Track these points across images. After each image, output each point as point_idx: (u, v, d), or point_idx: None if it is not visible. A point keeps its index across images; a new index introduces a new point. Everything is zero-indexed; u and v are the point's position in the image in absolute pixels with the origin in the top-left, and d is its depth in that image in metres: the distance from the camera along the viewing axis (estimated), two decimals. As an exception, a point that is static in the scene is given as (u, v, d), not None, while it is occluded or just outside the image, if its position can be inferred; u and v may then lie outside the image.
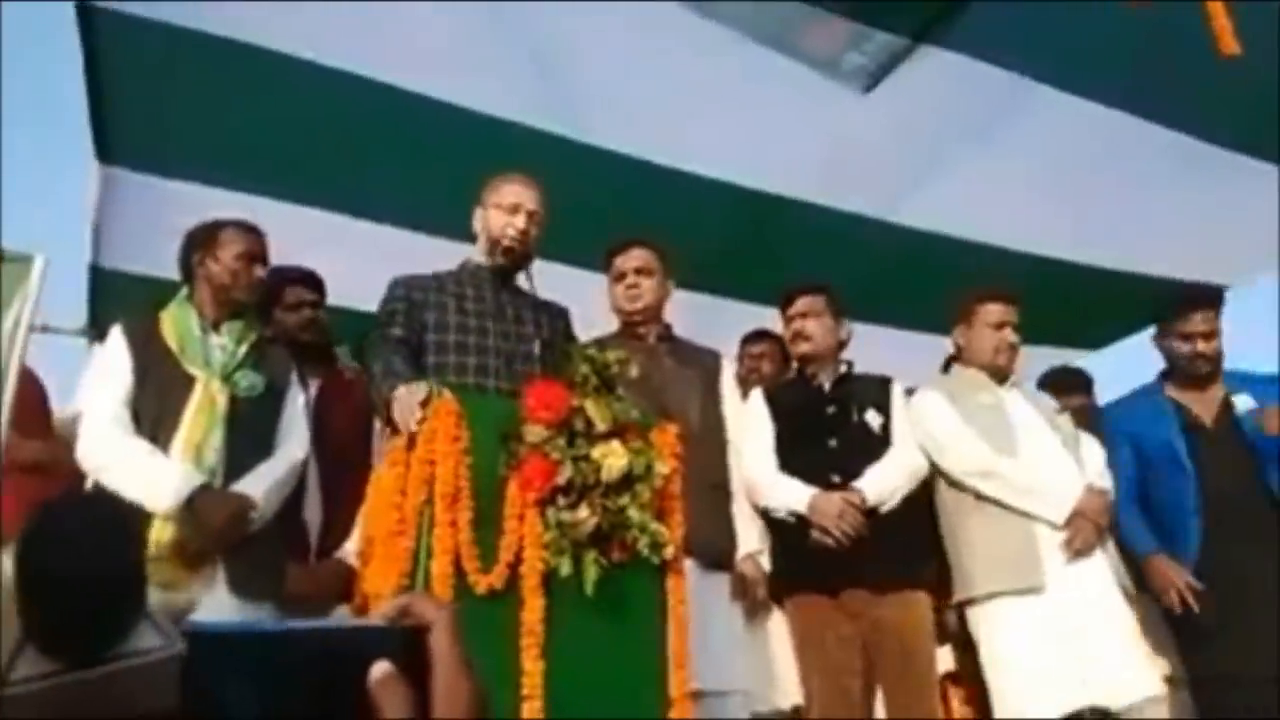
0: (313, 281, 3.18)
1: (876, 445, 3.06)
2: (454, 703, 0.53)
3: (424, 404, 2.22)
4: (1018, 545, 2.91)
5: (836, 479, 2.98)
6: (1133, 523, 3.13)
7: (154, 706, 0.49)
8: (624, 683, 2.16)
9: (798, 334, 3.23)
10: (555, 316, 2.80)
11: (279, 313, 3.00)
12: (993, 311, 3.22)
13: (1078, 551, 2.89)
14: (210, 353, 2.58)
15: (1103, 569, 2.92)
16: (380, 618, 0.56)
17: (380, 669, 0.53)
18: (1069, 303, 4.07)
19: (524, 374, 2.56)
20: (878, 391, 3.18)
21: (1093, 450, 3.15)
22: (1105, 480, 3.07)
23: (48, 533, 0.49)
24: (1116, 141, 3.70)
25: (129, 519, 0.53)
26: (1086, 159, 3.78)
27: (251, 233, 2.73)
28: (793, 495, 2.97)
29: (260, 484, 2.51)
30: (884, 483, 2.97)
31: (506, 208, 2.70)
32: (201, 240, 2.71)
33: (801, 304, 3.24)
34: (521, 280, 2.76)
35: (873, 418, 3.10)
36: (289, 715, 0.52)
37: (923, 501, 3.07)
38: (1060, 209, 3.96)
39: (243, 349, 2.62)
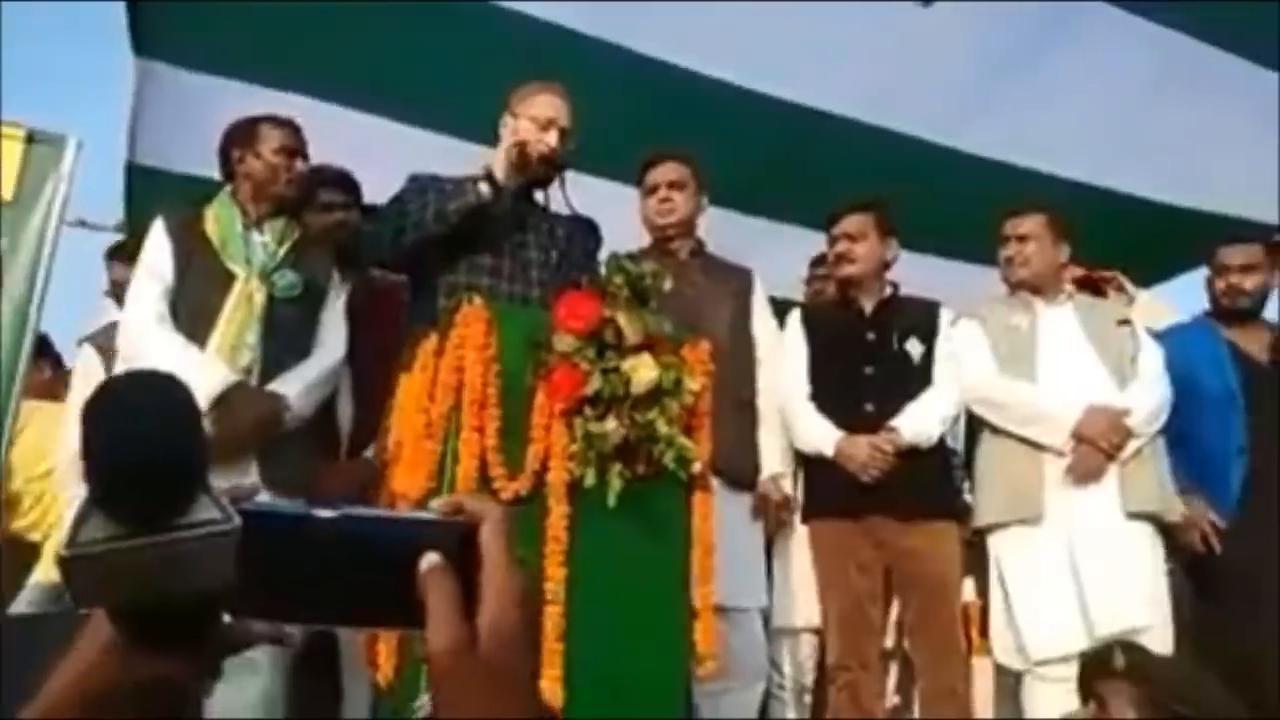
0: (347, 183, 3.12)
1: (915, 375, 2.98)
2: (502, 599, 0.54)
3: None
4: (1021, 475, 2.84)
5: (870, 408, 2.93)
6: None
7: (210, 581, 0.50)
8: (646, 594, 2.16)
9: (841, 256, 3.09)
10: (578, 228, 2.71)
11: (310, 214, 2.97)
12: (1002, 228, 3.09)
13: (1080, 478, 2.78)
14: (252, 250, 2.57)
15: (1113, 494, 2.78)
16: (433, 512, 0.56)
17: (430, 560, 0.54)
18: (1123, 236, 3.92)
19: (540, 280, 2.54)
20: (922, 317, 3.07)
21: (1147, 365, 2.94)
22: (1147, 397, 2.88)
23: (111, 400, 0.50)
24: (1182, 68, 3.54)
25: (188, 393, 0.54)
26: (1151, 84, 3.62)
27: (289, 127, 2.70)
28: (819, 436, 2.93)
29: (295, 384, 2.52)
30: (920, 424, 2.89)
31: (541, 121, 2.58)
32: (241, 136, 2.68)
33: (846, 224, 3.09)
34: (555, 194, 2.67)
35: (913, 346, 3.00)
36: (340, 597, 0.54)
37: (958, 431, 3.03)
38: (1120, 136, 3.81)
39: (284, 248, 2.61)
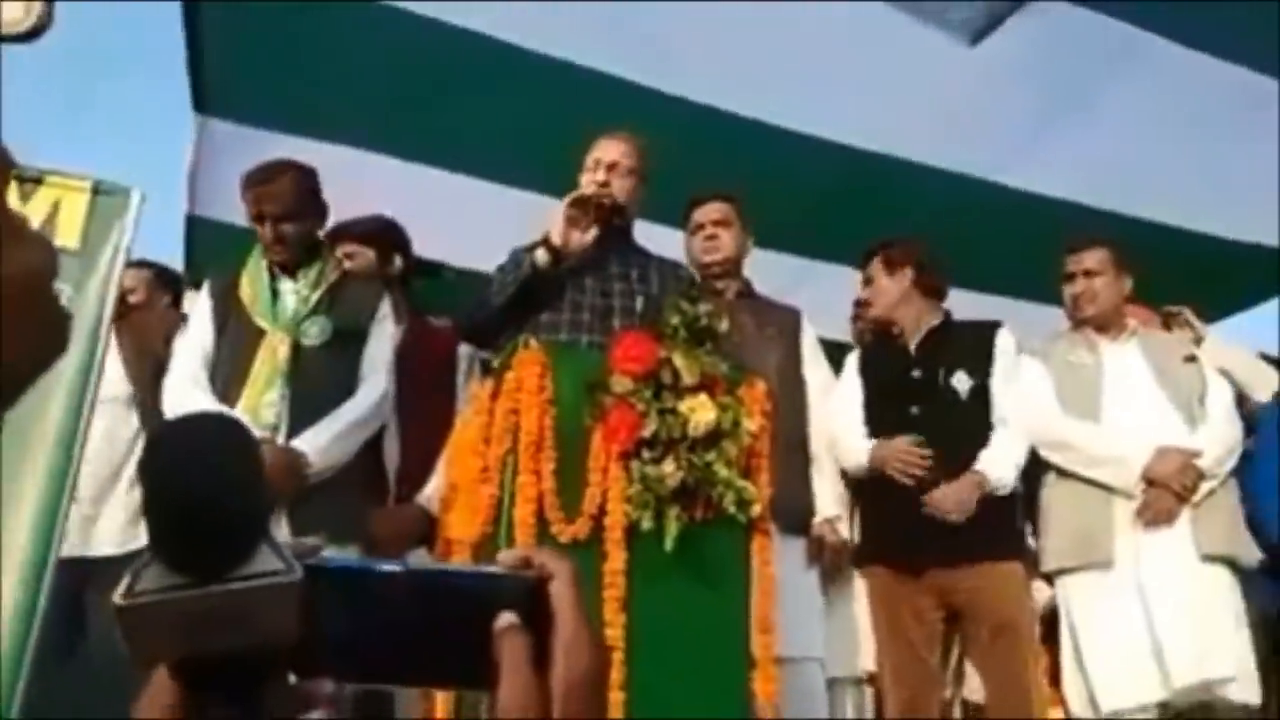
0: (352, 234, 3.02)
1: (964, 411, 2.88)
2: (575, 657, 0.53)
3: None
4: (1090, 517, 2.75)
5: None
6: (1268, 500, 2.83)
7: (271, 633, 0.48)
8: (706, 641, 2.12)
9: (860, 303, 3.12)
10: (670, 274, 2.71)
11: None
12: (1063, 264, 3.01)
13: (1151, 521, 2.69)
14: (283, 301, 2.55)
15: (1185, 537, 2.69)
16: (501, 566, 0.55)
17: (505, 619, 0.52)
18: (1183, 272, 3.84)
19: (622, 326, 2.50)
20: (974, 344, 2.96)
21: (1217, 404, 2.85)
22: (1218, 438, 2.78)
23: (169, 446, 0.49)
24: (1238, 99, 3.48)
25: (249, 436, 0.52)
26: (1205, 118, 3.56)
27: (254, 187, 2.59)
28: (856, 454, 2.88)
29: (320, 437, 2.46)
30: (997, 470, 2.78)
31: (590, 165, 2.65)
32: None
33: (868, 269, 3.07)
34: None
35: (960, 381, 2.90)
36: (406, 654, 0.53)
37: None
38: (1176, 171, 3.74)
39: (316, 294, 2.57)
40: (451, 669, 0.54)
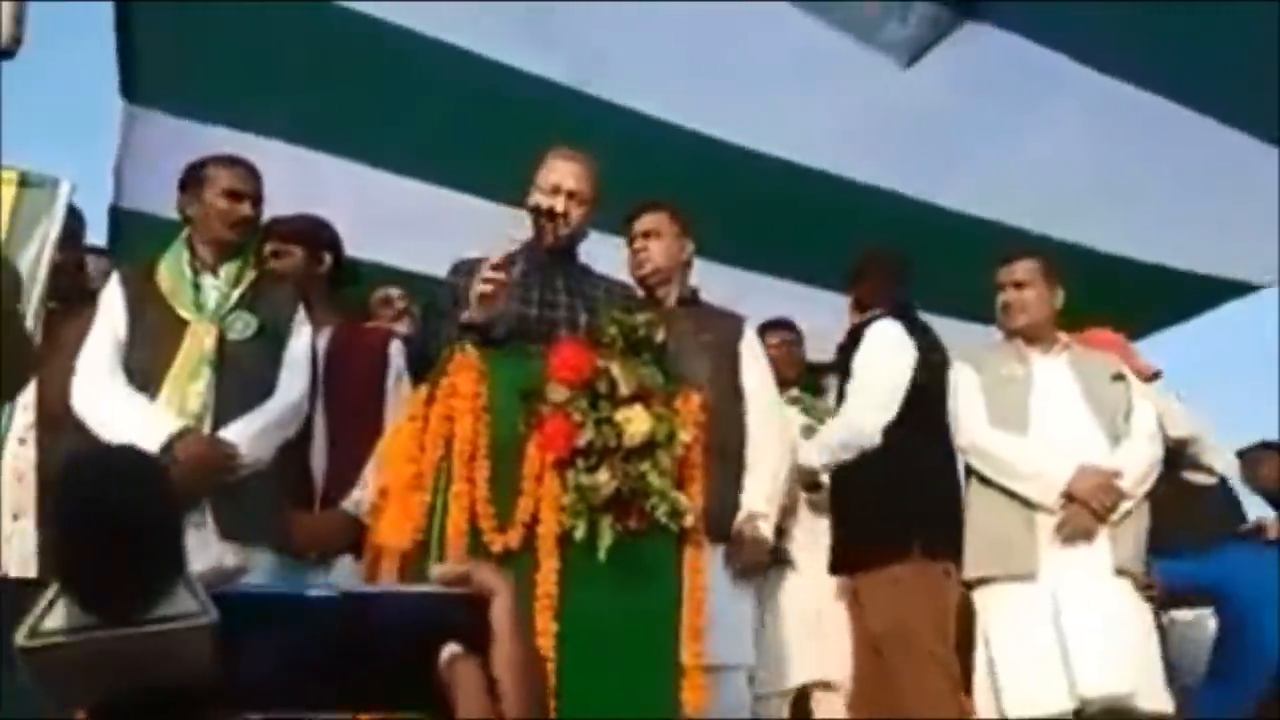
0: (281, 232, 2.93)
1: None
2: (516, 677, 0.52)
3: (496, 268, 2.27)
4: (1013, 529, 2.79)
5: None
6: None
7: (186, 676, 0.46)
8: (637, 650, 2.13)
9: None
10: (619, 293, 2.70)
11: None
12: (996, 275, 3.09)
13: (1069, 537, 2.74)
14: (204, 295, 2.52)
15: (1102, 553, 2.76)
16: (439, 583, 0.54)
17: (451, 650, 0.51)
18: (1101, 294, 3.97)
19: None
20: (846, 350, 3.13)
21: (1140, 424, 2.90)
22: (1139, 457, 2.85)
23: (83, 481, 0.46)
24: (1162, 131, 3.61)
25: (164, 474, 0.50)
26: (1129, 146, 3.69)
27: (237, 167, 2.62)
28: None
29: (248, 429, 2.44)
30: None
31: (547, 189, 2.59)
32: (189, 180, 2.63)
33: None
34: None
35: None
36: (343, 681, 0.51)
37: (918, 466, 2.93)
38: (1100, 196, 3.87)
39: (238, 290, 2.55)
40: (392, 693, 0.52)
